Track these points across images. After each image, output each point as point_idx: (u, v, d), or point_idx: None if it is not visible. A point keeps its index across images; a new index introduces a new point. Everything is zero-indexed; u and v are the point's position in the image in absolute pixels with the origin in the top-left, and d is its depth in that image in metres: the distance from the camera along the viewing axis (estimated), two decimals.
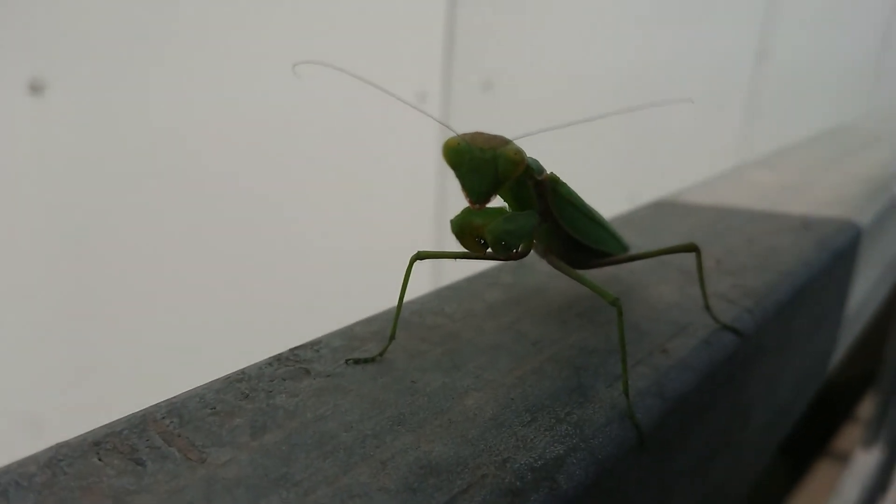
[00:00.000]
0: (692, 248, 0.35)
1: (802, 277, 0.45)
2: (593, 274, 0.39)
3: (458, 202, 0.29)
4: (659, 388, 0.31)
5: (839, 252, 0.51)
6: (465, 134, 0.27)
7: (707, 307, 0.37)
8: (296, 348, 0.33)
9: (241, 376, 0.30)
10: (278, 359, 0.32)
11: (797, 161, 0.74)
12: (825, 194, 0.61)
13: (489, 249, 0.29)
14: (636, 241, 0.49)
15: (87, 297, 0.71)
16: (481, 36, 1.11)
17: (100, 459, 0.25)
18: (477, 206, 0.28)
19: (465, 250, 0.31)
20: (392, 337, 0.33)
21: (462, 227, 0.29)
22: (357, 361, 0.32)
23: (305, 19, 0.81)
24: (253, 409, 0.28)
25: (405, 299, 0.35)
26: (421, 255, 0.32)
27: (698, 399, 0.33)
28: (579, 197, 0.35)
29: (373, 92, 0.28)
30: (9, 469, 0.24)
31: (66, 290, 0.68)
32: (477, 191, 0.27)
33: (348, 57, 0.87)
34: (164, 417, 0.27)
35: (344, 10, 0.85)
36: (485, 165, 0.27)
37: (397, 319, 0.33)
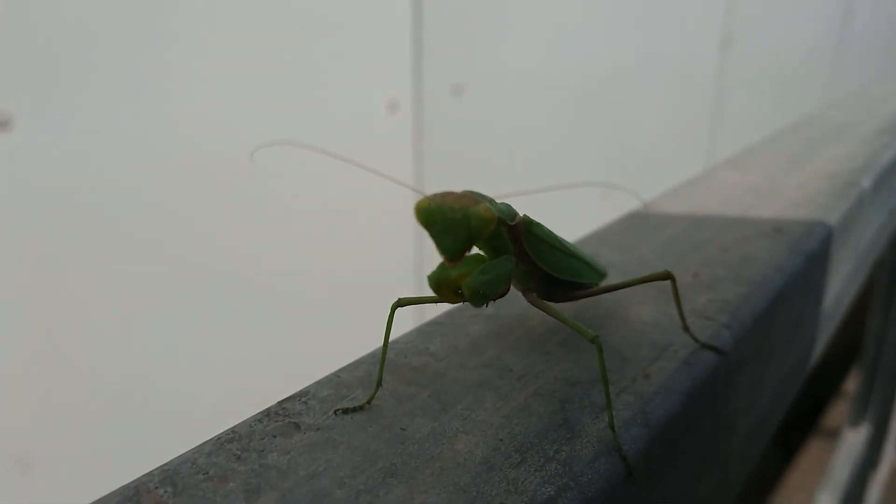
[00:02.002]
0: (667, 276, 0.35)
1: (777, 284, 0.46)
2: (572, 305, 0.40)
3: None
4: (644, 416, 0.32)
5: (812, 254, 0.52)
6: (435, 194, 0.28)
7: (685, 328, 0.37)
8: (284, 401, 0.33)
9: (231, 436, 0.30)
10: (267, 414, 0.32)
11: (763, 160, 0.75)
12: (794, 194, 0.63)
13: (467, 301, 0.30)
14: (612, 259, 0.50)
15: (56, 340, 0.70)
16: (450, 41, 1.12)
17: None
18: (451, 262, 0.28)
19: None
20: (379, 384, 0.33)
21: (439, 283, 0.30)
22: (346, 411, 0.32)
23: (275, 41, 0.81)
24: (245, 472, 0.28)
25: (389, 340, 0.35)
26: (402, 303, 0.33)
27: (683, 421, 0.34)
28: (553, 234, 0.35)
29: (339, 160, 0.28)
30: None
31: (31, 333, 0.67)
32: (451, 249, 0.28)
33: (319, 69, 0.87)
34: (157, 487, 0.27)
35: (311, 22, 0.85)
36: (456, 225, 0.27)
37: (383, 366, 0.33)
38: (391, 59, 1.03)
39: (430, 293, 0.32)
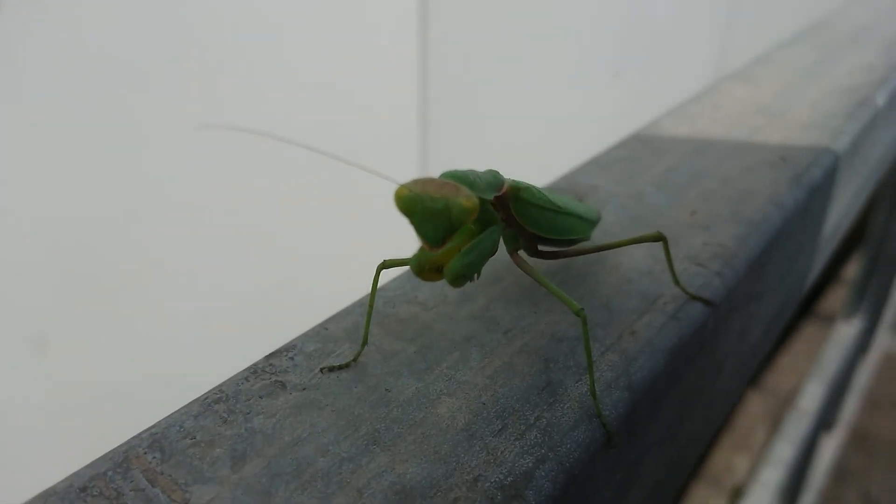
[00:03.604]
0: (659, 238, 0.35)
1: (776, 224, 0.45)
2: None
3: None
4: (627, 379, 0.32)
5: (816, 187, 0.51)
6: (415, 181, 0.27)
7: (676, 283, 0.37)
8: (271, 356, 0.33)
9: (219, 396, 0.31)
10: (254, 371, 0.32)
11: (776, 71, 0.72)
12: (804, 115, 0.60)
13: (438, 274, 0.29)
14: (612, 189, 0.49)
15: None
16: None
17: None
18: (433, 249, 0.27)
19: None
20: (364, 342, 0.33)
21: (421, 266, 0.29)
22: (332, 369, 0.32)
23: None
24: (232, 436, 0.29)
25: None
26: (386, 264, 0.32)
27: (667, 380, 0.34)
28: (543, 194, 0.34)
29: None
30: None
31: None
32: (432, 237, 0.27)
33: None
34: (146, 452, 0.28)
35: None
36: (437, 215, 0.26)
37: (368, 324, 0.33)
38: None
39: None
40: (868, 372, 2.27)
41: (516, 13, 1.06)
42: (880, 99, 0.65)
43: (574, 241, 0.37)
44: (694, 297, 0.37)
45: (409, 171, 0.93)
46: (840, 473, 1.96)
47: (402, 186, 0.26)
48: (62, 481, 0.27)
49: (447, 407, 0.30)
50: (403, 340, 0.34)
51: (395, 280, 0.39)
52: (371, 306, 0.33)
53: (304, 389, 0.31)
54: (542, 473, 0.28)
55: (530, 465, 0.28)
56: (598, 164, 0.52)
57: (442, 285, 0.38)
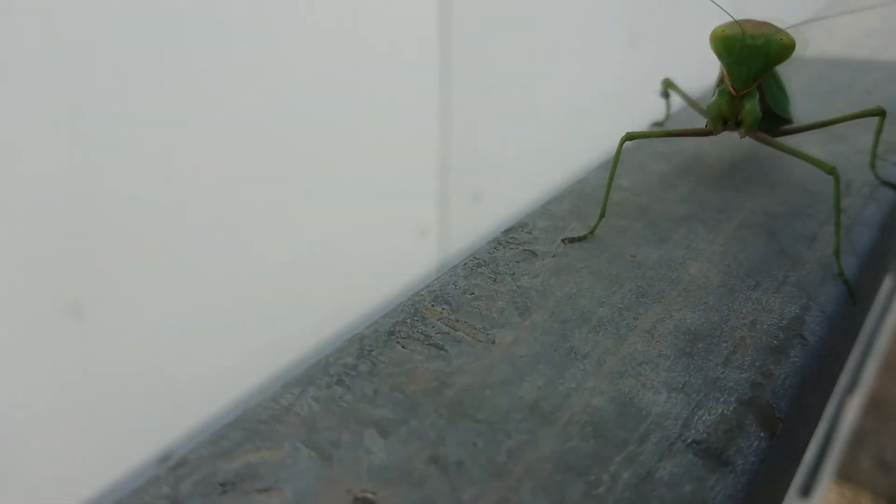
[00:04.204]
0: (879, 112, 0.36)
1: None
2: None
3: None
4: (850, 245, 0.34)
5: None
6: (733, 22, 0.28)
7: (872, 165, 0.39)
8: (508, 231, 0.35)
9: (476, 261, 0.32)
10: (499, 243, 0.34)
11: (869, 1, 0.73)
12: None
13: (739, 129, 0.31)
14: None
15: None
16: None
17: (404, 348, 0.27)
18: (739, 91, 0.29)
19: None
20: (602, 215, 0.35)
21: (720, 112, 0.30)
22: (572, 240, 0.34)
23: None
24: (507, 292, 0.30)
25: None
26: (631, 136, 0.34)
27: (880, 252, 0.36)
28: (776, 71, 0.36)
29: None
30: (329, 361, 0.27)
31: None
32: (744, 77, 0.28)
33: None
34: (433, 304, 0.30)
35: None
36: (756, 52, 0.28)
37: (607, 199, 0.35)
38: None
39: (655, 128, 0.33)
40: (886, 336, 2.30)
41: None
42: None
43: (788, 121, 0.38)
44: (885, 183, 0.39)
45: (428, 144, 0.92)
46: (856, 437, 2.00)
47: (721, 26, 0.28)
48: (366, 328, 0.28)
49: (696, 269, 0.32)
50: (627, 219, 0.36)
51: (594, 171, 0.41)
52: (612, 178, 0.35)
53: (554, 256, 0.33)
54: (811, 319, 0.29)
55: (797, 311, 0.30)
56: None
57: (640, 174, 0.40)
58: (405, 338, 0.28)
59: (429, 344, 0.27)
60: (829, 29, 0.65)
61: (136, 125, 0.56)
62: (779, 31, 0.28)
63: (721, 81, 0.33)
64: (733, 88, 0.29)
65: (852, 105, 0.50)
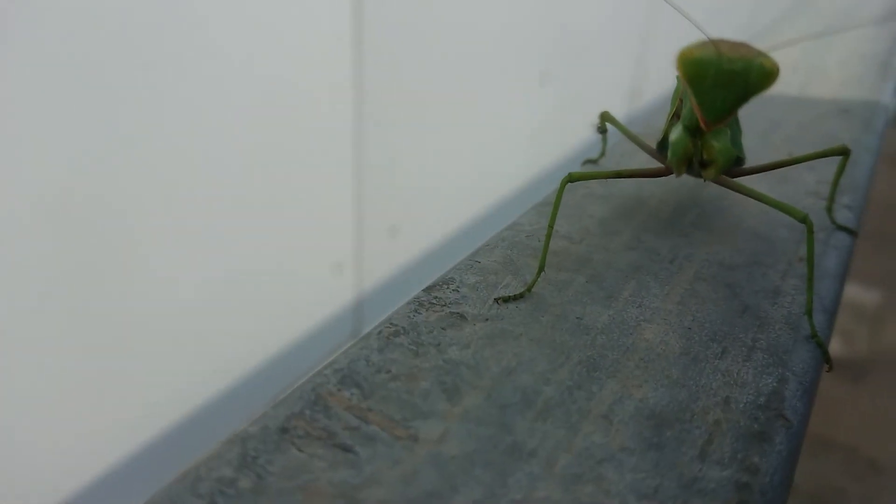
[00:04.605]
0: (844, 151, 0.33)
1: (868, 162, 0.45)
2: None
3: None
4: (818, 300, 0.30)
5: (881, 133, 0.51)
6: (705, 42, 0.23)
7: (829, 209, 0.35)
8: (431, 289, 0.29)
9: (393, 329, 0.27)
10: (420, 304, 0.28)
11: (789, 42, 0.73)
12: (839, 74, 0.61)
13: (704, 171, 0.26)
14: None
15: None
16: None
17: (300, 451, 0.21)
18: (710, 126, 0.24)
19: (617, 170, 0.28)
20: (541, 269, 0.29)
21: (686, 150, 0.26)
22: (507, 300, 0.28)
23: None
24: (431, 369, 0.25)
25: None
26: (573, 177, 0.29)
27: (839, 305, 0.32)
28: None
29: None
30: (199, 474, 0.20)
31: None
32: (718, 109, 0.24)
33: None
34: (340, 388, 0.24)
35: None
36: (735, 79, 0.23)
37: (547, 248, 0.29)
38: None
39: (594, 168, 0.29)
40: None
41: (444, 21, 1.03)
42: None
43: (741, 161, 0.34)
44: (840, 227, 0.36)
45: (343, 178, 0.89)
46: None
47: (690, 47, 0.23)
48: (251, 425, 0.22)
49: (653, 333, 0.27)
50: (568, 271, 0.31)
51: (525, 214, 0.36)
52: (551, 227, 0.30)
53: (487, 320, 0.27)
54: (790, 392, 0.25)
55: (774, 384, 0.25)
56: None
57: (577, 217, 0.35)
58: (302, 437, 0.22)
59: (333, 444, 0.21)
60: None
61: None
62: (759, 53, 0.24)
63: (676, 114, 0.29)
64: (704, 123, 0.24)
65: (790, 141, 0.47)
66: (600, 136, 0.39)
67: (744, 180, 0.35)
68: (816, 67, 0.63)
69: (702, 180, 0.27)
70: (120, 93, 0.54)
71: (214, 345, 0.77)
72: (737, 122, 0.33)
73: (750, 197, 0.29)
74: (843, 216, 0.38)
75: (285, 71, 0.74)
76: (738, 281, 0.31)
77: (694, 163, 0.27)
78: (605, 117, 0.36)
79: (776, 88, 0.56)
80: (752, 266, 0.32)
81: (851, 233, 0.36)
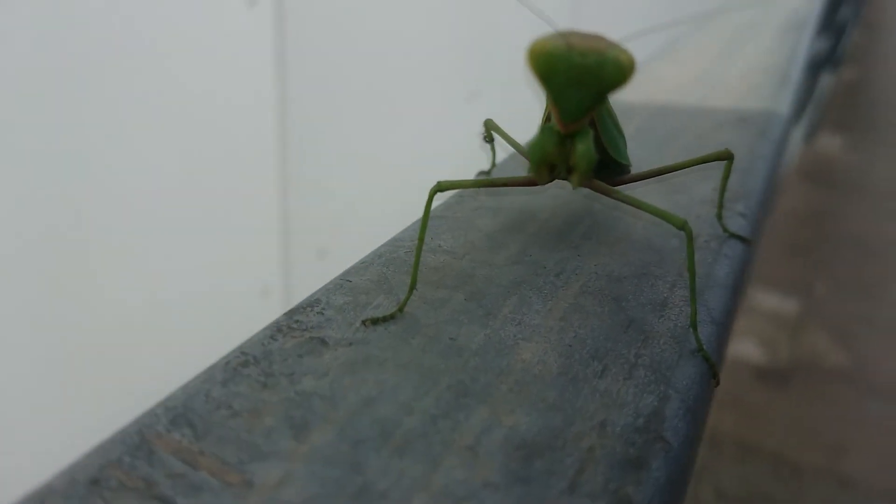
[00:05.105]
0: (727, 156, 0.32)
1: (764, 171, 0.44)
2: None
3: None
4: (706, 311, 0.29)
5: (778, 141, 0.51)
6: (558, 34, 0.22)
7: (719, 216, 0.34)
8: (293, 312, 0.27)
9: (243, 358, 0.24)
10: (279, 329, 0.26)
11: (693, 55, 0.73)
12: (740, 84, 0.61)
13: (570, 177, 0.24)
14: None
15: None
16: None
17: None
18: (568, 127, 0.22)
19: (484, 177, 0.26)
20: (412, 286, 0.27)
21: (543, 157, 0.24)
22: (375, 322, 0.26)
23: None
24: (280, 402, 0.22)
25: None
26: (442, 187, 0.27)
27: (732, 317, 0.31)
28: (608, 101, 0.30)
29: None
30: None
31: None
32: (574, 109, 0.22)
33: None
34: (170, 429, 0.21)
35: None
36: (587, 75, 0.21)
37: (418, 264, 0.27)
38: None
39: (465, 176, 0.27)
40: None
41: (372, 36, 1.02)
42: (794, 73, 0.67)
43: (625, 168, 0.33)
44: (733, 235, 0.35)
45: (268, 199, 0.86)
46: (696, 472, 2.06)
47: (539, 40, 0.21)
48: (59, 476, 0.19)
49: (531, 352, 0.25)
50: (446, 288, 0.29)
51: (408, 230, 0.33)
52: (421, 240, 0.28)
53: (350, 345, 0.25)
54: (671, 411, 0.23)
55: (655, 403, 0.23)
56: None
57: (463, 231, 0.33)
58: (115, 489, 0.19)
59: (150, 496, 0.18)
60: (658, 76, 0.63)
61: None
62: (613, 46, 0.22)
63: (548, 118, 0.27)
64: (561, 124, 0.23)
65: (688, 151, 0.46)
66: (488, 145, 0.37)
67: (630, 188, 0.33)
68: (718, 79, 0.63)
69: (577, 188, 0.26)
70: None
71: (135, 373, 0.72)
72: (617, 126, 0.32)
73: (629, 205, 0.28)
74: (737, 224, 0.37)
75: (207, 89, 0.71)
76: (626, 293, 0.29)
77: (558, 168, 0.25)
78: (489, 125, 0.35)
79: (676, 99, 0.55)
80: (640, 277, 0.31)
81: (745, 241, 0.35)
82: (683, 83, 0.61)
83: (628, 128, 0.49)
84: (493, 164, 0.39)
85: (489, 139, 0.36)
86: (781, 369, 2.23)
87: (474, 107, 1.35)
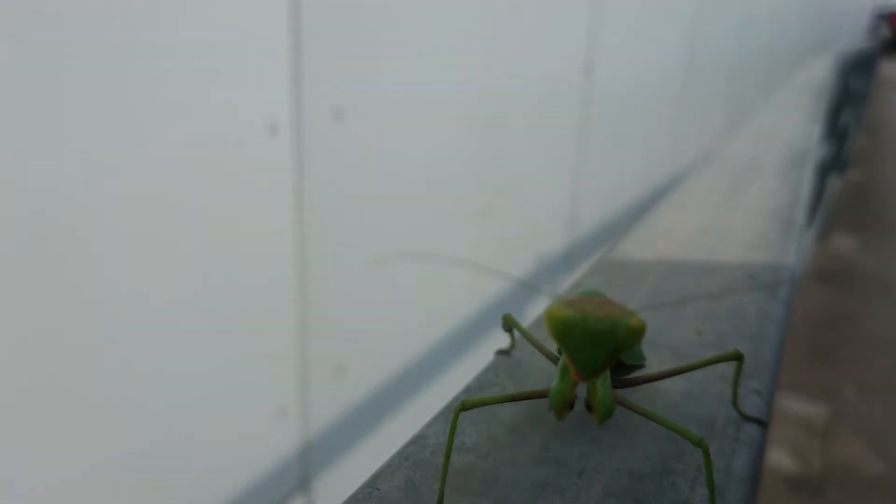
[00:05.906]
0: (737, 357, 0.33)
1: (776, 338, 0.45)
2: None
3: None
4: None
5: (786, 301, 0.52)
6: (568, 300, 0.24)
7: (735, 404, 0.35)
8: None
9: None
10: None
11: (699, 198, 0.76)
12: (747, 235, 0.63)
13: (590, 415, 0.26)
14: None
15: None
16: (330, 65, 1.06)
17: None
18: (586, 380, 0.24)
19: (515, 392, 0.27)
20: (440, 502, 0.28)
21: (563, 400, 0.25)
22: None
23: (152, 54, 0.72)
24: None
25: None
26: (466, 406, 0.28)
27: None
28: None
29: None
30: None
31: None
32: (590, 367, 0.24)
33: (196, 88, 0.78)
34: None
35: (187, 43, 0.77)
36: (602, 339, 0.23)
37: (444, 482, 0.28)
38: (269, 81, 0.97)
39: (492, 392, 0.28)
40: None
41: (385, 156, 1.07)
42: (799, 217, 0.70)
43: (635, 367, 0.34)
44: (748, 418, 0.36)
45: (286, 318, 0.88)
46: None
47: (556, 306, 0.23)
48: None
49: None
50: (472, 495, 0.30)
51: (431, 425, 0.35)
52: (447, 457, 0.29)
53: None
54: None
55: None
56: (581, 287, 0.51)
57: (485, 424, 0.34)
58: None
59: None
60: (666, 227, 0.65)
61: None
62: (625, 311, 0.24)
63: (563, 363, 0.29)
64: (577, 376, 0.25)
65: (700, 318, 0.48)
66: (507, 333, 0.39)
67: (644, 393, 0.35)
68: (724, 229, 0.66)
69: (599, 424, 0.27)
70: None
71: (152, 499, 0.72)
72: None
73: (645, 417, 0.29)
74: (753, 402, 0.38)
75: (224, 212, 0.74)
76: (648, 495, 0.30)
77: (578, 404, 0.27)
78: (507, 320, 0.36)
79: (684, 254, 0.57)
80: (661, 475, 0.31)
81: (761, 423, 0.36)
82: (691, 233, 0.64)
83: (643, 289, 0.51)
84: (513, 345, 0.40)
85: (508, 329, 0.38)
86: (815, 478, 2.15)
87: (487, 222, 1.40)
